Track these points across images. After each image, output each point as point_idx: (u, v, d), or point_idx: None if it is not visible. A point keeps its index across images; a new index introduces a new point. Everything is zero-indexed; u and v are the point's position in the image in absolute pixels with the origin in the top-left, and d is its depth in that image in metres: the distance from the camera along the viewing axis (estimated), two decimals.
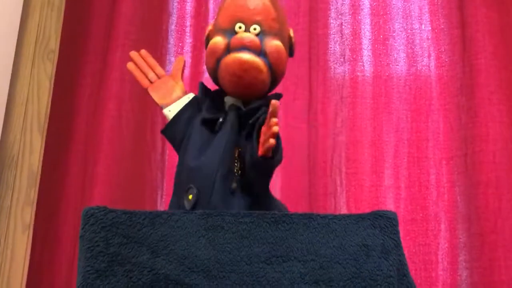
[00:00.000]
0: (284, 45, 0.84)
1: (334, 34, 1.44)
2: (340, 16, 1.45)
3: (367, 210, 1.27)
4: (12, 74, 1.38)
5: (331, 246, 0.68)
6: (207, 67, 0.86)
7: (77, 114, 1.39)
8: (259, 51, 0.81)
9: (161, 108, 0.88)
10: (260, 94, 0.84)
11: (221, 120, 0.82)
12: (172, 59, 1.45)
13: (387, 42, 1.43)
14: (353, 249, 0.68)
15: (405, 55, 1.42)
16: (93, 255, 0.67)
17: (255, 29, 0.82)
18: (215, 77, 0.85)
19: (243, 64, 0.80)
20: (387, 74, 1.41)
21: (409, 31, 1.43)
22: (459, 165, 1.31)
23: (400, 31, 1.44)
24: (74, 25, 1.43)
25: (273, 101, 0.70)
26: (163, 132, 0.88)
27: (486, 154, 1.25)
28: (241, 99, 0.84)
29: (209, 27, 0.89)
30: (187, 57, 1.45)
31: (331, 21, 1.44)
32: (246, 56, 0.80)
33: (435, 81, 1.39)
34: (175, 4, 1.52)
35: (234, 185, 0.78)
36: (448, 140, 1.34)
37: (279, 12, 0.86)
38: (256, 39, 0.81)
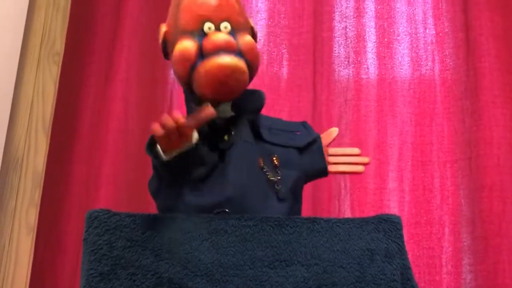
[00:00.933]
0: (252, 36, 0.81)
1: (338, 37, 1.44)
2: (344, 19, 1.45)
3: (371, 213, 1.28)
4: (17, 76, 1.38)
5: (334, 250, 0.68)
6: (176, 75, 0.80)
7: (82, 116, 1.40)
8: (236, 51, 0.76)
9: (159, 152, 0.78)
10: (241, 93, 0.80)
11: (232, 135, 0.79)
12: None
13: (391, 45, 1.43)
14: (357, 253, 0.68)
15: (409, 58, 1.42)
16: (97, 258, 0.67)
17: (226, 27, 0.78)
18: (187, 84, 0.79)
19: (225, 69, 0.75)
20: (391, 77, 1.41)
21: (413, 34, 1.43)
22: (463, 168, 1.31)
23: (405, 35, 1.44)
24: (79, 27, 1.44)
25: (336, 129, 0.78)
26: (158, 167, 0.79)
27: (490, 158, 1.25)
28: (219, 101, 0.79)
29: (163, 29, 0.83)
30: None
31: (336, 24, 1.44)
32: (227, 59, 0.75)
33: (439, 84, 1.39)
34: None
35: (282, 192, 0.77)
36: (452, 143, 1.34)
37: (240, 3, 0.81)
38: (231, 39, 0.76)
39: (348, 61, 1.42)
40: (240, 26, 0.79)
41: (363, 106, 1.38)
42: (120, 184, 1.28)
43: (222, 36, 0.76)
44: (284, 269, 0.66)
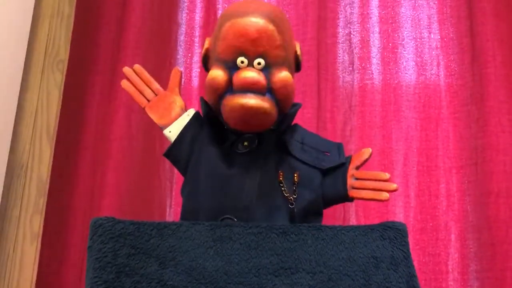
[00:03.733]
0: (291, 68, 0.79)
1: (342, 43, 1.44)
2: (348, 25, 1.44)
3: (376, 219, 1.28)
4: (21, 84, 1.39)
5: (340, 258, 0.67)
6: (207, 98, 0.80)
7: (86, 123, 1.40)
8: (265, 90, 0.75)
9: (161, 129, 0.84)
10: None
11: (253, 143, 0.79)
12: (181, 69, 1.46)
13: (396, 50, 1.42)
14: (362, 261, 0.67)
15: (414, 63, 1.42)
16: (101, 266, 0.66)
17: (259, 63, 0.75)
18: (217, 110, 0.79)
19: (248, 110, 0.74)
20: (396, 82, 1.40)
21: (418, 39, 1.43)
22: (469, 174, 1.30)
23: (409, 40, 1.43)
24: (83, 35, 1.44)
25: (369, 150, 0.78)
26: (166, 155, 0.83)
27: (496, 164, 1.24)
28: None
29: (206, 45, 0.83)
30: (196, 68, 1.45)
31: (340, 30, 1.44)
32: (252, 102, 0.73)
33: (445, 89, 1.38)
34: (184, 14, 1.52)
35: (294, 211, 0.76)
36: (458, 149, 1.33)
37: (284, 32, 0.78)
38: (261, 78, 0.74)
39: (353, 66, 1.42)
40: (278, 60, 0.76)
41: (367, 112, 1.37)
42: (124, 192, 1.28)
43: (251, 74, 0.74)
44: (289, 277, 0.66)
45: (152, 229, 0.69)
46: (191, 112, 0.84)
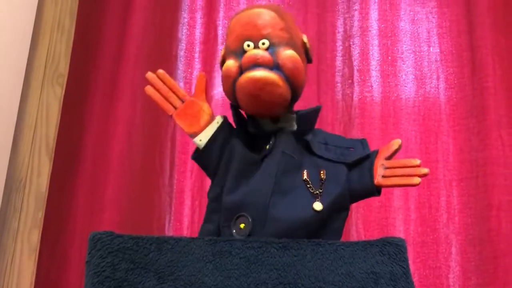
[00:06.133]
0: (298, 52, 0.80)
1: (342, 56, 1.44)
2: (348, 39, 1.45)
3: (376, 231, 1.28)
4: (21, 97, 1.39)
5: (339, 273, 0.67)
6: (224, 92, 0.83)
7: (85, 137, 1.40)
8: (272, 65, 0.77)
9: (191, 137, 0.83)
10: (283, 108, 0.81)
11: (270, 144, 0.79)
12: (181, 84, 1.46)
13: (395, 63, 1.43)
14: (361, 277, 0.67)
15: (413, 76, 1.42)
16: (100, 281, 0.66)
17: (263, 43, 0.78)
18: (234, 100, 0.82)
19: (256, 82, 0.76)
20: (395, 95, 1.41)
21: (417, 52, 1.44)
22: (470, 187, 1.30)
23: (409, 53, 1.44)
24: (83, 49, 1.45)
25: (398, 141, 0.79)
26: (194, 159, 0.84)
27: (497, 177, 1.24)
28: (264, 116, 0.82)
29: (222, 51, 0.86)
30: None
31: (339, 43, 1.44)
32: (259, 73, 0.76)
33: (444, 102, 1.39)
34: (184, 30, 1.53)
35: (319, 206, 0.76)
36: (458, 161, 1.33)
37: (287, 20, 0.82)
38: (266, 54, 0.77)
39: (352, 79, 1.42)
40: (282, 41, 0.79)
41: (367, 124, 1.38)
42: (123, 206, 1.28)
43: (256, 51, 0.78)
44: None
45: (151, 244, 0.69)
46: (219, 119, 0.84)
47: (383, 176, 0.80)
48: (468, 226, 1.28)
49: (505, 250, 1.20)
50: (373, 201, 1.30)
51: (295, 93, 0.81)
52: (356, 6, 1.47)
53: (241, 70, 0.78)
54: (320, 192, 0.77)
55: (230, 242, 0.69)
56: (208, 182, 1.37)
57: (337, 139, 0.87)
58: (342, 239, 0.78)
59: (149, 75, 0.85)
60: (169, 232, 1.34)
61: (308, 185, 0.78)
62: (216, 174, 0.82)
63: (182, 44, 1.51)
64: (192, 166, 1.42)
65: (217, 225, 0.79)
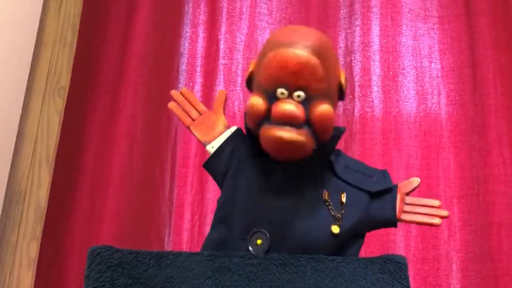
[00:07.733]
0: (333, 99, 0.78)
1: (343, 71, 1.44)
2: (349, 54, 1.45)
3: (377, 247, 1.27)
4: (22, 109, 1.39)
5: None
6: (246, 122, 0.80)
7: (86, 150, 1.39)
8: (302, 123, 0.74)
9: (204, 145, 0.84)
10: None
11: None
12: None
13: (396, 79, 1.43)
14: None
15: (414, 92, 1.42)
16: None
17: (299, 96, 0.74)
18: (256, 135, 0.79)
19: (283, 143, 0.74)
20: (396, 110, 1.41)
21: (418, 68, 1.44)
22: (471, 204, 1.29)
23: (410, 69, 1.44)
24: (85, 62, 1.45)
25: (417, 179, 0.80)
26: (205, 166, 0.84)
27: (498, 195, 1.24)
28: None
29: (251, 68, 0.83)
30: (197, 97, 1.45)
31: (341, 58, 1.45)
32: (287, 135, 0.73)
33: (445, 119, 1.39)
34: (186, 44, 1.53)
35: (337, 229, 0.75)
36: (459, 178, 1.33)
37: (328, 64, 0.77)
38: (298, 112, 0.73)
39: (353, 94, 1.42)
40: (319, 93, 0.75)
41: (368, 139, 1.37)
42: (123, 220, 1.27)
43: (289, 107, 0.73)
44: None
45: (150, 259, 0.68)
46: (233, 128, 0.85)
47: (404, 211, 0.81)
48: (469, 243, 1.28)
49: (505, 268, 1.19)
50: None
51: (321, 142, 0.78)
52: (358, 22, 1.47)
53: (269, 117, 0.75)
54: (340, 216, 0.77)
55: (230, 258, 0.69)
56: (207, 196, 1.38)
57: (358, 164, 0.86)
58: None
59: (173, 92, 0.89)
60: (168, 245, 1.34)
61: (330, 207, 0.77)
62: (224, 182, 0.81)
63: (184, 58, 1.52)
64: (192, 179, 1.41)
65: (223, 236, 0.78)
